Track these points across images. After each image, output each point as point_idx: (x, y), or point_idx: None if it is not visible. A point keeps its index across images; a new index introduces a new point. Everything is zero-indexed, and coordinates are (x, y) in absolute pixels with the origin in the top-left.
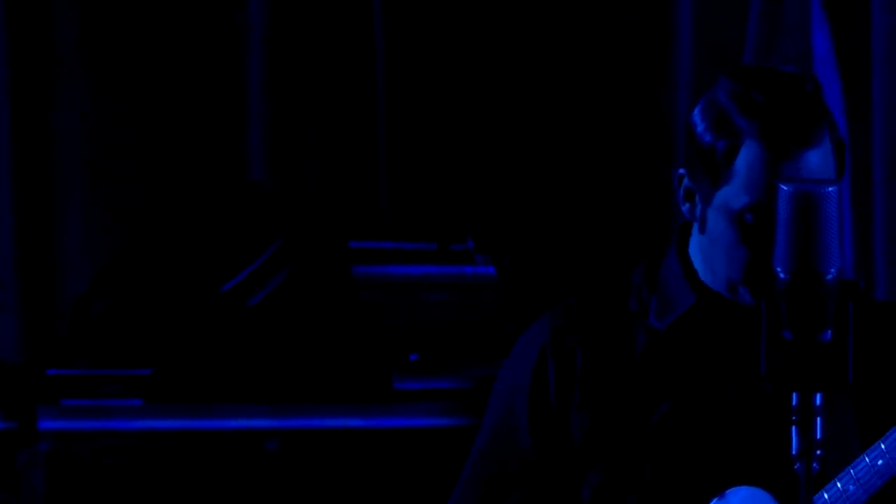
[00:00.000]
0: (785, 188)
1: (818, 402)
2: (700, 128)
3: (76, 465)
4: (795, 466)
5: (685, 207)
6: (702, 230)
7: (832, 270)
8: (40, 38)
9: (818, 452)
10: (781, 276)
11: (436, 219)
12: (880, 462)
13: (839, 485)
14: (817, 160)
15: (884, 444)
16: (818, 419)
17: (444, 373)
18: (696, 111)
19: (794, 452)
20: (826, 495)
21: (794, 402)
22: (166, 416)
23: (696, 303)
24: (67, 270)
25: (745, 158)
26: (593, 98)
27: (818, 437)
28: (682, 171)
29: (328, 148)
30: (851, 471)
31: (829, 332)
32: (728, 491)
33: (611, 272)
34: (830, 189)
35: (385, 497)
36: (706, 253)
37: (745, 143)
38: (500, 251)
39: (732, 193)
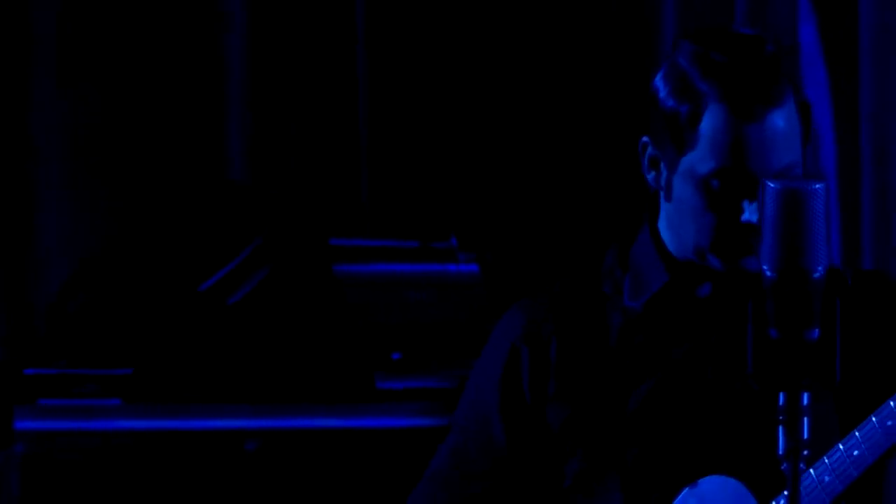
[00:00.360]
0: (772, 185)
1: (805, 401)
2: (662, 93)
3: (53, 467)
4: (782, 467)
5: (650, 176)
6: (668, 198)
7: (819, 268)
8: (18, 34)
9: (805, 453)
10: (768, 274)
11: (418, 217)
12: (856, 452)
13: (814, 474)
14: (782, 121)
15: (859, 433)
16: (805, 419)
17: (428, 372)
18: (657, 77)
19: (780, 453)
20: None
21: (780, 402)
22: (145, 417)
23: (669, 279)
24: (46, 269)
25: (710, 122)
26: (576, 95)
27: (805, 437)
28: (645, 138)
29: (309, 145)
30: (826, 460)
31: (817, 330)
32: (701, 479)
33: (590, 262)
34: (818, 186)
35: (368, 498)
36: (673, 222)
37: (709, 106)
38: (483, 248)
39: (698, 159)
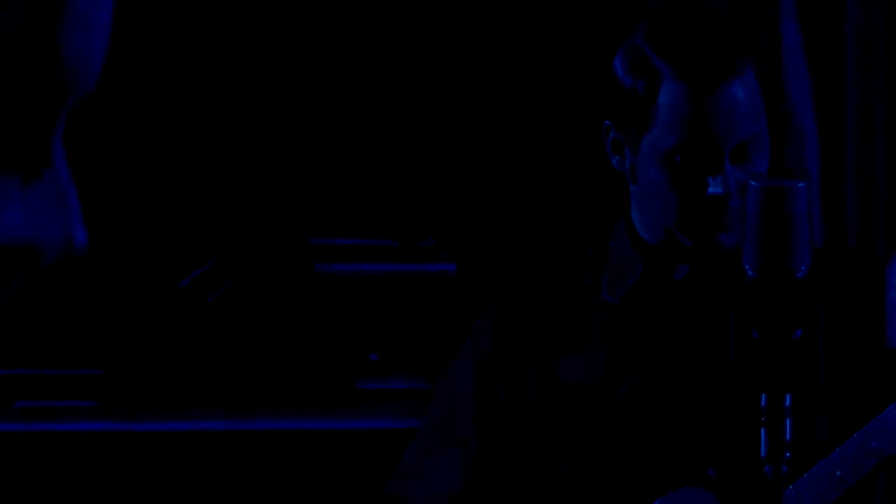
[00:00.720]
0: (754, 184)
1: (787, 402)
2: (620, 73)
3: (25, 470)
4: (765, 469)
5: (614, 160)
6: (633, 180)
7: (802, 268)
8: None
9: (787, 455)
10: (750, 274)
11: (397, 216)
12: (839, 473)
13: (794, 493)
14: (741, 91)
15: (842, 451)
16: (787, 420)
17: (406, 372)
18: (616, 58)
19: (762, 455)
20: None
21: (762, 404)
22: (121, 419)
23: (644, 270)
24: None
25: (667, 97)
26: (557, 93)
27: (787, 438)
28: (607, 122)
29: (289, 143)
30: (807, 479)
31: (799, 330)
32: (675, 492)
33: (570, 259)
34: (800, 185)
35: (345, 499)
36: (641, 205)
37: (665, 81)
38: (462, 248)
39: (659, 136)
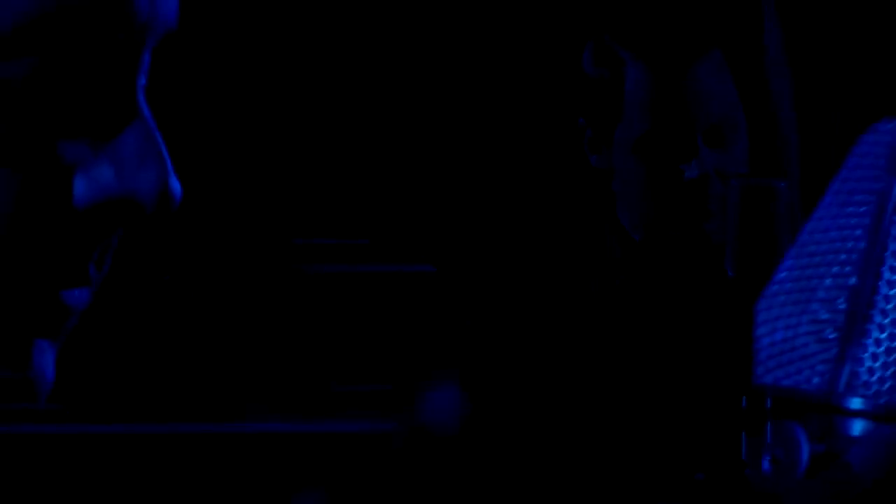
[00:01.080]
0: (734, 183)
1: (768, 404)
2: (587, 66)
3: None
4: (746, 471)
5: (594, 159)
6: (612, 176)
7: None
8: None
9: (766, 457)
10: (730, 273)
11: (374, 216)
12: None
13: None
14: (708, 74)
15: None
16: (768, 423)
17: (384, 375)
18: (584, 53)
19: (742, 458)
20: None
21: (743, 405)
22: (88, 421)
23: (632, 270)
24: None
25: (632, 85)
26: (546, 95)
27: (768, 440)
28: (581, 120)
29: (272, 143)
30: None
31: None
32: None
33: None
34: (781, 184)
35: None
36: (622, 200)
37: (629, 69)
38: (444, 249)
39: (628, 126)
